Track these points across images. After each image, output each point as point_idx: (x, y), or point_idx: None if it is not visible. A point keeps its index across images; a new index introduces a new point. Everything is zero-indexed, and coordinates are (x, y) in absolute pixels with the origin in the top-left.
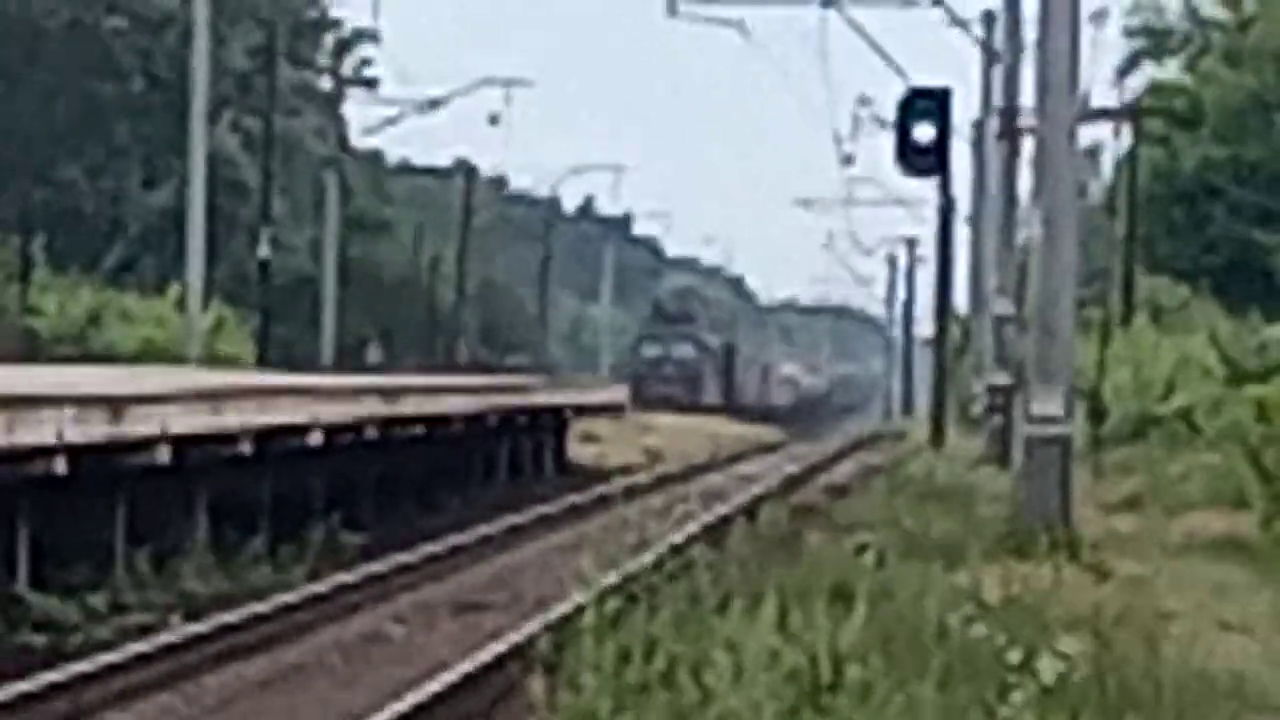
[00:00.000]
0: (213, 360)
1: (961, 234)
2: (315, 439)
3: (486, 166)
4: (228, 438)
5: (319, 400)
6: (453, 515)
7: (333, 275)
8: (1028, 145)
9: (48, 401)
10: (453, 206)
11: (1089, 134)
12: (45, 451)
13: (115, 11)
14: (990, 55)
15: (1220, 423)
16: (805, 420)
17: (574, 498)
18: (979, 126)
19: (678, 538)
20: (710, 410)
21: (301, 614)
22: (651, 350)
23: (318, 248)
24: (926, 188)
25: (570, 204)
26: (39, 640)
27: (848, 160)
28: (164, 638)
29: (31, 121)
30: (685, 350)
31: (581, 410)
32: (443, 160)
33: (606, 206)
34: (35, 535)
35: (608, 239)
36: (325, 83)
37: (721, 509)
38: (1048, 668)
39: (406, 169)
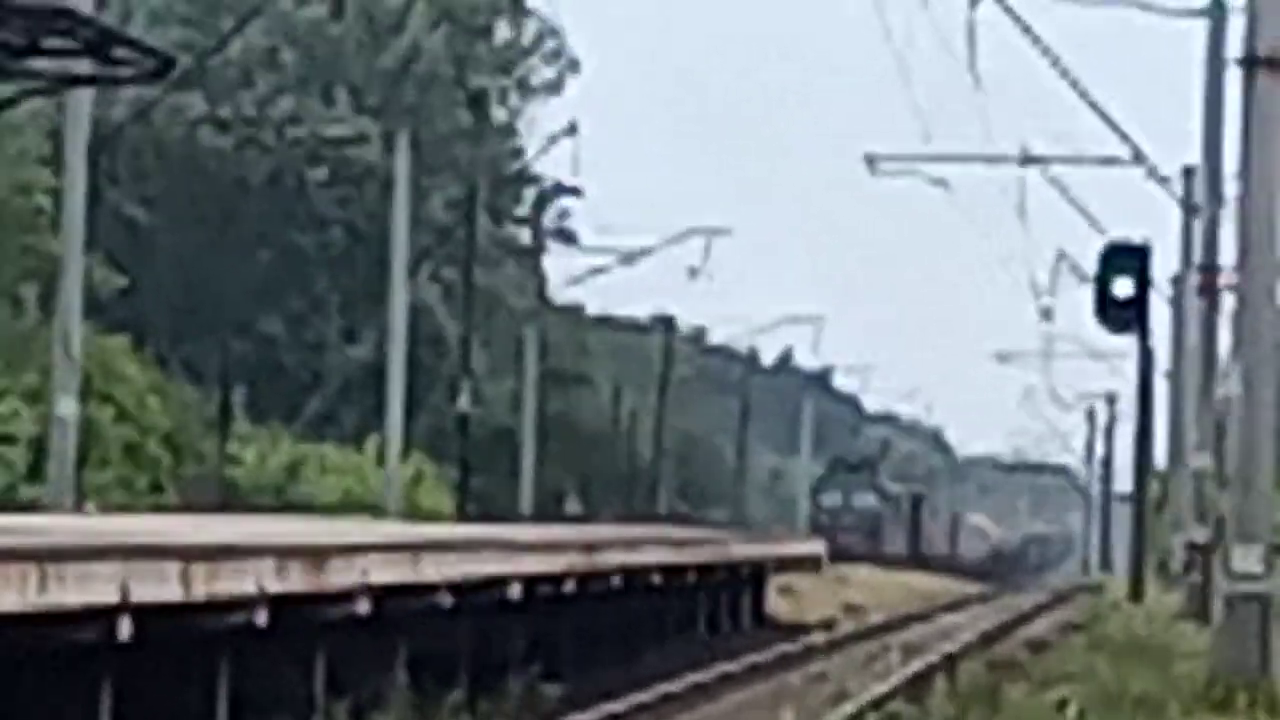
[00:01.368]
0: (412, 513)
1: (1160, 389)
2: (514, 591)
3: (685, 318)
4: (427, 589)
5: (518, 552)
6: (651, 667)
7: (532, 428)
8: (1227, 301)
9: (248, 552)
10: (652, 359)
11: None
12: (246, 603)
13: (317, 163)
14: (1189, 211)
15: None
16: (998, 576)
17: (774, 649)
18: (1178, 282)
19: (878, 691)
20: (899, 563)
21: None
22: (831, 498)
23: (517, 400)
24: (1125, 343)
25: (769, 356)
26: None
27: (1046, 314)
28: None
29: (233, 273)
30: (866, 499)
31: (780, 563)
32: (642, 312)
33: (805, 359)
34: (235, 686)
35: (807, 391)
36: (525, 235)
37: (920, 664)
38: None
39: (606, 321)
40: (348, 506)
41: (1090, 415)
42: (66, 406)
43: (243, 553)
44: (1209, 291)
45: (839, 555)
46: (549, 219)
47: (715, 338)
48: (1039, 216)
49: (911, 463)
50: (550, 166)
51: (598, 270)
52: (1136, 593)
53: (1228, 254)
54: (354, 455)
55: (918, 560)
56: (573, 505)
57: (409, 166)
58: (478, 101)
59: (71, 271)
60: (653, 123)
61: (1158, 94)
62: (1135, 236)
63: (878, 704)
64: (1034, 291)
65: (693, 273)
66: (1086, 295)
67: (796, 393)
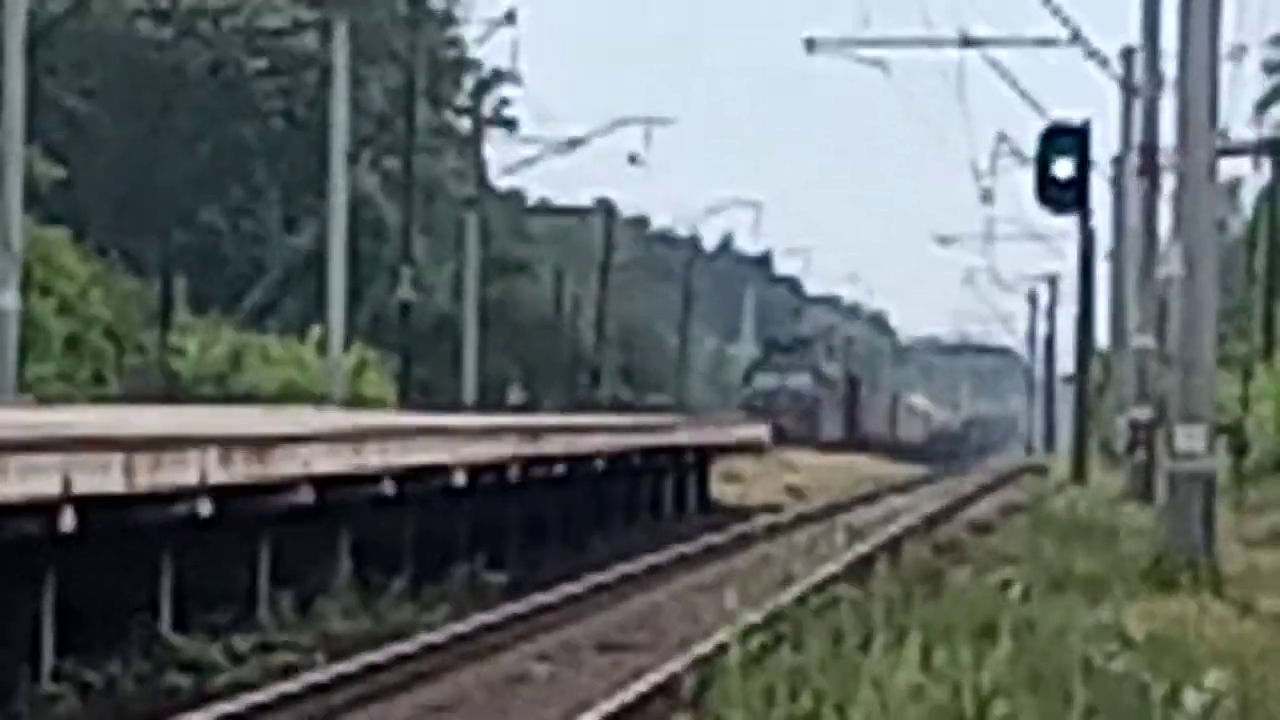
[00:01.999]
0: (355, 401)
1: (1102, 270)
2: (458, 479)
3: (626, 205)
4: (371, 478)
5: (461, 440)
6: (595, 555)
7: (473, 316)
8: (1167, 181)
9: (191, 442)
10: (593, 246)
11: (1228, 169)
12: (189, 493)
13: (256, 53)
14: (1129, 91)
15: None
16: (938, 458)
17: (717, 536)
18: (1118, 163)
19: (821, 574)
20: (836, 446)
21: (445, 654)
22: (765, 380)
23: (458, 288)
24: (1066, 224)
25: (710, 242)
26: (183, 682)
27: (987, 196)
28: (308, 678)
29: (173, 164)
30: (801, 380)
31: (724, 449)
32: (583, 199)
33: (746, 244)
34: (179, 577)
35: (748, 277)
36: (465, 123)
37: (864, 546)
38: (1193, 703)
39: (546, 209)
40: (290, 396)
41: (1032, 297)
42: (7, 299)
43: (185, 443)
44: (1149, 172)
45: (774, 439)
46: (488, 106)
47: (656, 224)
48: (979, 100)
49: (853, 346)
50: (489, 54)
51: (537, 158)
52: (1080, 473)
53: (1168, 134)
54: (296, 345)
55: (855, 443)
56: (516, 393)
57: (347, 55)
58: None
59: (11, 164)
60: (591, 9)
61: None
62: (1076, 118)
63: (822, 587)
64: (974, 174)
65: (633, 159)
66: (1027, 177)
67: (738, 278)
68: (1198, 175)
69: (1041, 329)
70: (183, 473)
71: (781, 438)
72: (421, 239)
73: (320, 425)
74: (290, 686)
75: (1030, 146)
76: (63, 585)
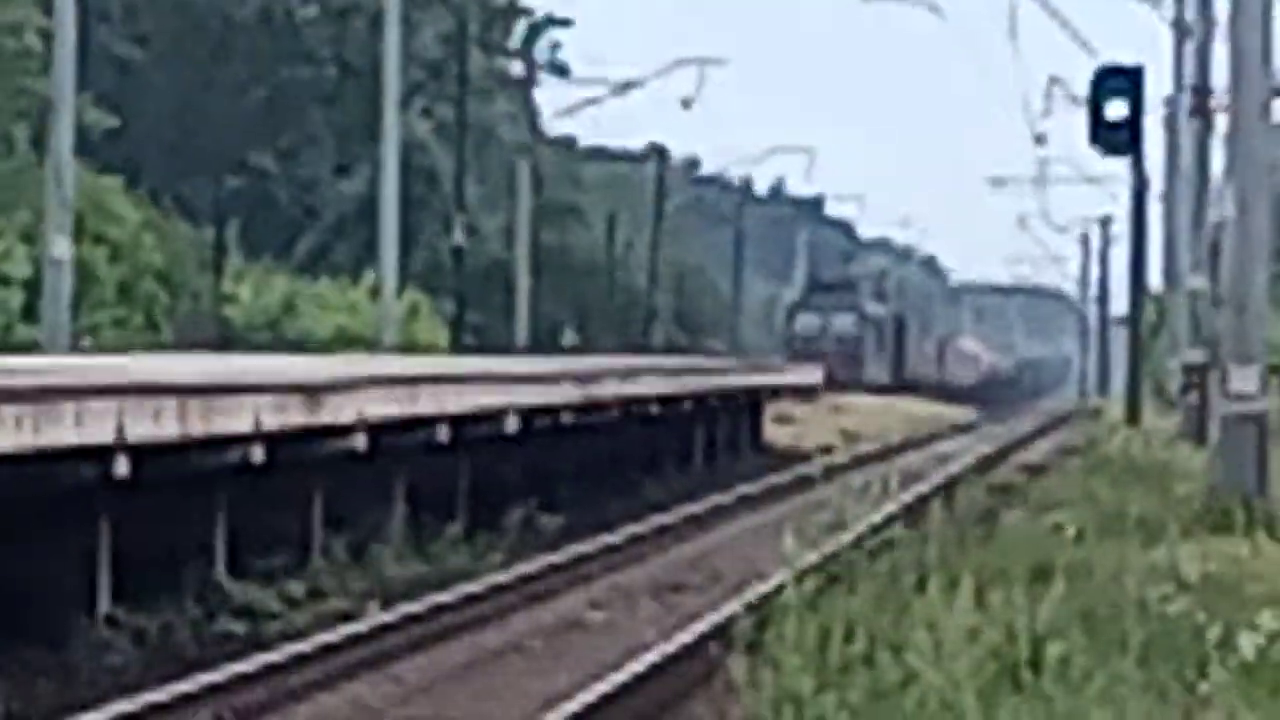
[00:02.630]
0: (408, 347)
1: (1155, 212)
2: (511, 424)
3: (679, 149)
4: (424, 423)
5: (514, 385)
6: (650, 498)
7: (526, 261)
8: (1220, 122)
9: (244, 389)
10: (645, 190)
11: None
12: (242, 439)
13: (307, 0)
14: (1182, 32)
15: None
16: (991, 401)
17: (771, 479)
18: (1171, 104)
19: (876, 517)
20: (882, 390)
21: (501, 598)
22: (807, 322)
23: (510, 234)
24: (1119, 166)
25: (762, 186)
26: (238, 628)
27: (1040, 139)
28: (363, 624)
29: (224, 111)
30: (845, 322)
31: (776, 392)
32: (635, 144)
33: (799, 188)
34: (233, 523)
35: (800, 221)
36: (516, 68)
37: (919, 488)
38: (1247, 643)
39: (599, 153)
40: (343, 342)
41: (1084, 240)
42: (60, 247)
43: (238, 390)
44: (1202, 113)
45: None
46: (540, 51)
47: (708, 168)
48: (1031, 42)
49: (905, 288)
50: None
51: (590, 102)
52: (1133, 416)
53: (1221, 76)
54: (349, 290)
55: (902, 386)
56: (569, 338)
57: (399, 1)
58: None
59: (63, 111)
60: None
61: None
62: (1128, 60)
63: (876, 530)
64: (1027, 116)
65: (685, 103)
66: (1080, 119)
67: (790, 222)
68: (1250, 116)
69: (1094, 272)
70: (236, 419)
71: (827, 381)
72: (474, 185)
73: (374, 370)
74: (344, 632)
75: (1083, 88)
76: (117, 531)
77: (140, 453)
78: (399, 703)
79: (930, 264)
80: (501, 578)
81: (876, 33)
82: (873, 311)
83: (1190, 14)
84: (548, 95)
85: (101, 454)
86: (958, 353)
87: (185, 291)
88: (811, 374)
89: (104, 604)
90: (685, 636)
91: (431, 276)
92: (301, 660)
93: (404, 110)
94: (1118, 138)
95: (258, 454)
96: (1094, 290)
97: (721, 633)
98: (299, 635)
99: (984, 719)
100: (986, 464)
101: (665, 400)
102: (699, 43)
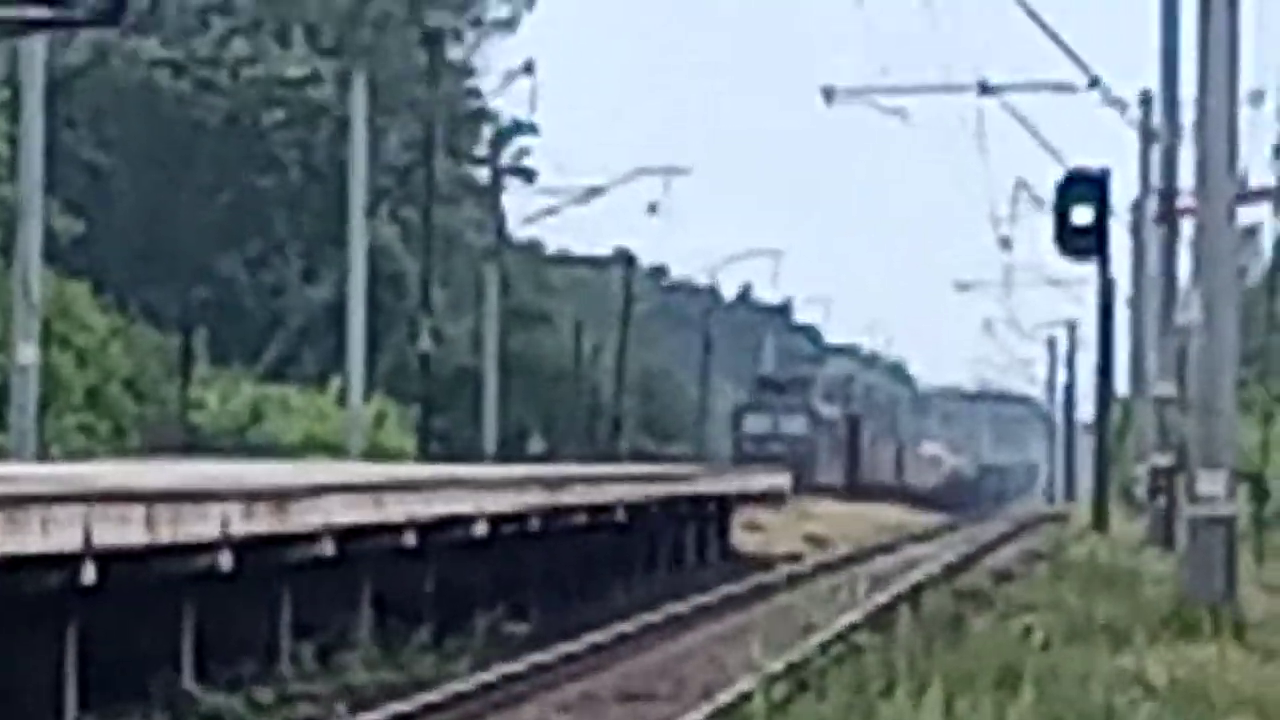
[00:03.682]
0: (375, 453)
1: (1121, 316)
2: (479, 529)
3: (646, 254)
4: (392, 529)
5: (482, 491)
6: (617, 604)
7: (493, 366)
8: (1186, 227)
9: (212, 496)
10: (612, 296)
11: (1248, 214)
12: (210, 546)
13: (273, 105)
14: (1148, 137)
15: None
16: (953, 507)
17: (739, 585)
18: (1137, 208)
19: (842, 623)
20: (834, 494)
21: (468, 704)
22: (756, 423)
23: (478, 339)
24: (1085, 270)
25: (730, 291)
26: None
27: (1006, 243)
28: None
29: (191, 216)
30: (795, 424)
31: (745, 498)
32: (602, 250)
33: (766, 293)
34: (200, 630)
35: (767, 326)
36: (483, 174)
37: (885, 595)
38: None
39: (566, 259)
40: (310, 448)
41: (1051, 344)
42: (27, 353)
43: (206, 496)
44: (1168, 217)
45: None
46: (507, 157)
47: (675, 274)
48: (998, 147)
49: (873, 394)
50: (507, 105)
51: (556, 208)
52: (1100, 520)
53: (1187, 180)
54: (316, 396)
55: (855, 490)
56: (536, 443)
57: (365, 106)
58: (433, 40)
59: (31, 217)
60: (609, 59)
61: (1114, 20)
62: (1094, 164)
63: (844, 635)
64: (993, 221)
65: (652, 208)
66: (1046, 223)
67: (757, 327)
68: (1217, 221)
69: (1061, 376)
70: (204, 525)
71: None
72: (440, 290)
73: (341, 477)
74: None
75: (1049, 193)
76: (84, 638)
77: (107, 559)
78: None
79: (897, 370)
80: (468, 685)
81: (843, 137)
82: (825, 412)
83: (1156, 119)
84: (514, 201)
85: (68, 561)
86: (918, 456)
87: (152, 397)
88: (780, 479)
89: (71, 711)
90: None
91: (398, 382)
92: None
93: (370, 216)
94: (1083, 242)
95: (225, 560)
96: (1060, 395)
97: None
98: None
99: None
100: (953, 569)
101: (633, 506)
102: (667, 146)
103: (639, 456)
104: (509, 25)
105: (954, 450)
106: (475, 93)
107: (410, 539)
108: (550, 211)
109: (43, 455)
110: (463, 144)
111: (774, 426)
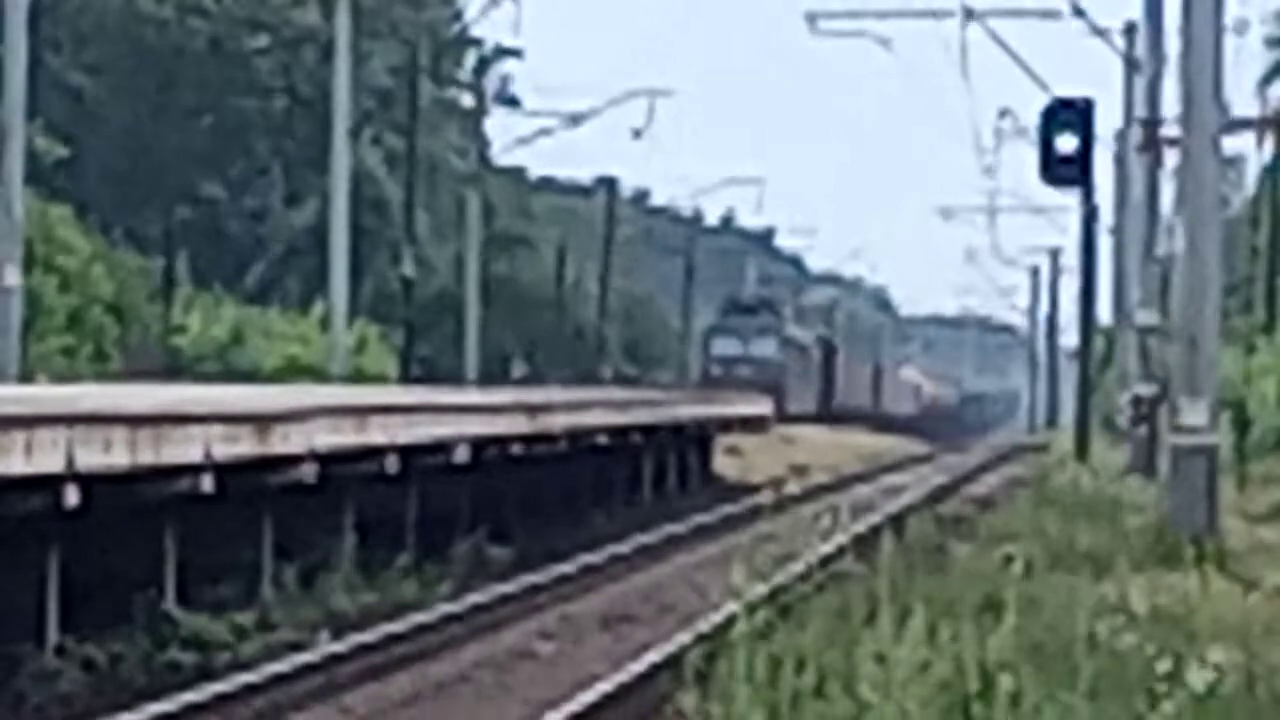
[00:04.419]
0: (357, 378)
1: (1104, 245)
2: (461, 455)
3: (629, 180)
4: (374, 453)
5: (464, 415)
6: (599, 530)
7: (475, 292)
8: (1170, 156)
9: (194, 420)
10: (595, 222)
11: (1231, 145)
12: (192, 469)
13: (257, 29)
14: (1132, 66)
15: None
16: (933, 435)
17: (721, 510)
18: (1121, 138)
19: (825, 550)
20: (806, 420)
21: (449, 629)
22: (725, 346)
23: (460, 265)
24: (1068, 199)
25: (713, 217)
26: (187, 658)
27: (990, 171)
28: (312, 654)
29: (174, 140)
30: (765, 347)
31: (727, 424)
32: (585, 175)
33: (749, 220)
34: (182, 553)
35: (750, 253)
36: (467, 99)
37: (869, 521)
38: (1197, 677)
39: (549, 185)
40: (292, 372)
41: (1034, 272)
42: (10, 276)
43: (188, 419)
44: (1152, 146)
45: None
46: (490, 82)
47: (658, 199)
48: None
49: (855, 321)
50: (491, 29)
51: (540, 133)
52: (1082, 449)
53: (1171, 109)
54: (298, 320)
55: (829, 418)
56: (518, 369)
57: (349, 31)
58: None
59: (14, 138)
60: None
61: None
62: (1078, 93)
63: (826, 562)
64: (977, 149)
65: (636, 134)
66: (1030, 152)
67: (740, 254)
68: (1201, 151)
69: (1044, 304)
70: (186, 449)
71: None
72: (424, 215)
73: (323, 401)
74: (293, 663)
75: (1033, 121)
76: (67, 561)
77: (90, 482)
78: None
79: (880, 296)
80: (451, 608)
81: (828, 65)
82: (797, 335)
83: (1141, 48)
84: (498, 126)
85: (51, 483)
86: (897, 383)
87: (135, 321)
88: (763, 406)
89: (53, 633)
90: (635, 667)
91: (380, 307)
92: (251, 690)
93: (354, 140)
94: (1068, 171)
95: (208, 484)
96: (1043, 323)
97: (671, 664)
98: (248, 665)
99: None
100: (936, 497)
101: (614, 431)
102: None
103: (622, 381)
104: None
105: (934, 377)
106: (458, 16)
107: (392, 463)
108: (534, 136)
109: (26, 378)
110: (447, 69)
111: (743, 349)
